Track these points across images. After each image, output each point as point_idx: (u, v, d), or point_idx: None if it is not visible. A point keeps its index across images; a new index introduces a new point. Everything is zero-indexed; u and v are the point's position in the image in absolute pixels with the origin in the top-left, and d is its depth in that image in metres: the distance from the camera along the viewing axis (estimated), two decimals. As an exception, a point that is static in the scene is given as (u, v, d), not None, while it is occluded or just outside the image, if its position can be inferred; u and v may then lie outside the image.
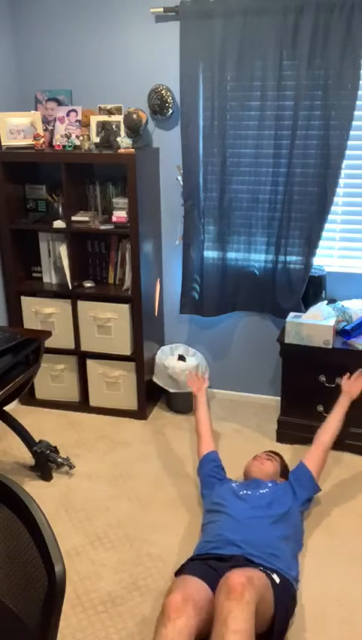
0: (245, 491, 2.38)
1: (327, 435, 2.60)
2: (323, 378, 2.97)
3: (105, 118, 3.12)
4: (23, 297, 3.38)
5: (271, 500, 2.31)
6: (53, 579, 1.20)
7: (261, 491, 2.37)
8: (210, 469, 2.62)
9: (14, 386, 2.57)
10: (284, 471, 2.62)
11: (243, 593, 1.72)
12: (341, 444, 2.92)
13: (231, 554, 2.06)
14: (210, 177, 3.14)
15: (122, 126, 3.07)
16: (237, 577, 1.76)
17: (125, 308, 3.22)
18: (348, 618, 2.11)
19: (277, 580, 1.97)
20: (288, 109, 2.91)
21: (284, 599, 1.95)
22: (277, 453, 2.69)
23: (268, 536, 2.16)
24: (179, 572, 2.10)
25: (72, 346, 3.39)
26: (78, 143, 3.11)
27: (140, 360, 3.31)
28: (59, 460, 2.87)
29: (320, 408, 3.03)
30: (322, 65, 2.79)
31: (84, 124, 3.16)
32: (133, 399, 3.41)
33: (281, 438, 3.17)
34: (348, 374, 2.79)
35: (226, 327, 3.53)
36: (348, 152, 2.89)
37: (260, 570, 1.97)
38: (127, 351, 3.30)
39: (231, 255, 3.27)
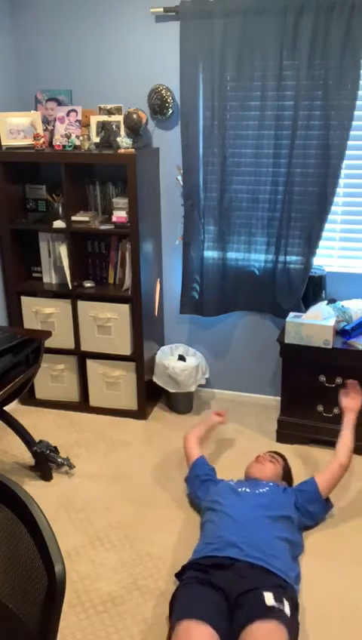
0: (243, 488, 2.38)
1: (343, 455, 2.54)
2: (323, 378, 2.97)
3: (105, 118, 3.12)
4: (23, 297, 3.38)
5: (271, 500, 2.30)
6: (53, 579, 1.20)
7: (260, 490, 2.37)
8: (204, 474, 2.63)
9: (14, 386, 2.57)
10: (287, 474, 2.61)
11: None
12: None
13: (232, 556, 2.05)
14: (210, 177, 3.14)
15: (122, 126, 3.07)
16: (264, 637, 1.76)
17: (125, 308, 3.22)
18: (349, 618, 2.11)
19: (288, 612, 1.88)
20: (288, 109, 2.91)
21: (294, 628, 1.88)
22: (281, 455, 2.68)
23: (267, 536, 2.16)
24: (180, 574, 2.10)
25: (72, 346, 3.39)
26: (78, 143, 3.11)
27: (140, 360, 3.31)
28: (59, 460, 2.87)
29: (320, 408, 3.04)
30: (322, 65, 2.79)
31: (84, 124, 3.16)
32: (133, 399, 3.41)
33: (281, 438, 3.17)
34: (343, 390, 2.75)
35: (226, 327, 3.53)
36: (348, 152, 2.89)
37: (277, 620, 1.83)
38: (127, 351, 3.30)
39: (231, 255, 3.27)
